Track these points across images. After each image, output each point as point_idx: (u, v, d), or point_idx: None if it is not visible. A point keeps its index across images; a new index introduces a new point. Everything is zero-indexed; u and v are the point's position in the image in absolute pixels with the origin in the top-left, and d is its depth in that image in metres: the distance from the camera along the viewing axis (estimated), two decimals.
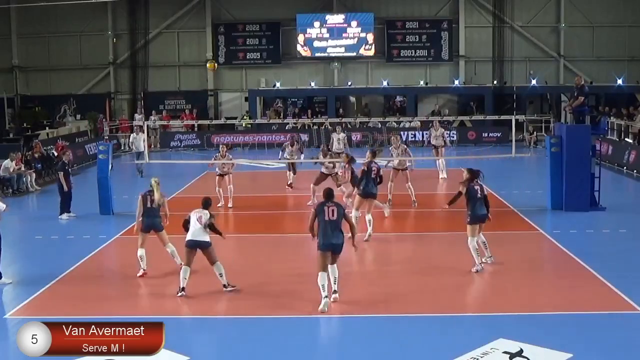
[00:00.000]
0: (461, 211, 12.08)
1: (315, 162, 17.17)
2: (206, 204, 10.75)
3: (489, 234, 13.89)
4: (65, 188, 16.54)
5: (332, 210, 9.89)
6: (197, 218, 10.56)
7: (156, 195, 11.60)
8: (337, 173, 17.31)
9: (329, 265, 9.85)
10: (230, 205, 17.35)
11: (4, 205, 11.83)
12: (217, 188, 17.52)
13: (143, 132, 25.41)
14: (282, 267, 11.90)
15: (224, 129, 33.30)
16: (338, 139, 21.75)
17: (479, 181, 11.77)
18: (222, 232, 10.94)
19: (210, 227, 10.58)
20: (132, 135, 23.95)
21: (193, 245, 10.51)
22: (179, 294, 10.39)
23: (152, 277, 12.03)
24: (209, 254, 10.59)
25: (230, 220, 16.70)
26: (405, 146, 18.34)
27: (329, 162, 17.50)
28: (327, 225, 9.83)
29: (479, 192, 11.64)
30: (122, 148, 32.46)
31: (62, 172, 16.64)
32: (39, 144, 23.72)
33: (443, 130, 22.39)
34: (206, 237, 10.55)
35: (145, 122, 26.99)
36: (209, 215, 10.60)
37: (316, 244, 9.96)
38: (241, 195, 18.13)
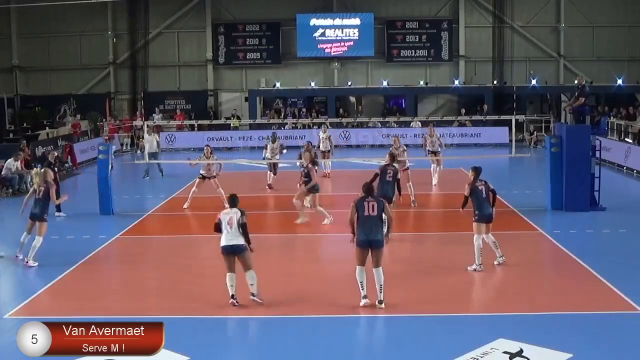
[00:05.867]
0: (458, 211, 12.08)
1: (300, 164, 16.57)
2: (233, 201, 9.99)
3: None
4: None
5: (372, 206, 9.75)
6: (227, 221, 9.77)
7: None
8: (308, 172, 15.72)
9: (374, 269, 9.72)
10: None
11: None
12: (193, 188, 17.02)
13: (157, 133, 25.34)
14: (279, 267, 11.88)
15: (223, 129, 33.25)
16: (323, 138, 22.28)
17: (482, 180, 11.78)
18: (251, 242, 9.88)
19: (243, 227, 9.74)
20: (145, 135, 23.44)
21: (230, 251, 9.76)
22: (230, 301, 9.82)
23: (152, 278, 12.06)
24: (243, 259, 9.77)
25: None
26: (404, 147, 18.30)
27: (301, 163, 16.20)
28: (366, 221, 9.71)
29: (484, 191, 11.65)
30: (124, 148, 32.54)
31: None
32: (26, 148, 22.12)
33: (439, 134, 21.03)
34: (240, 240, 9.74)
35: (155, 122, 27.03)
36: (240, 213, 9.80)
37: (354, 241, 9.80)
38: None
